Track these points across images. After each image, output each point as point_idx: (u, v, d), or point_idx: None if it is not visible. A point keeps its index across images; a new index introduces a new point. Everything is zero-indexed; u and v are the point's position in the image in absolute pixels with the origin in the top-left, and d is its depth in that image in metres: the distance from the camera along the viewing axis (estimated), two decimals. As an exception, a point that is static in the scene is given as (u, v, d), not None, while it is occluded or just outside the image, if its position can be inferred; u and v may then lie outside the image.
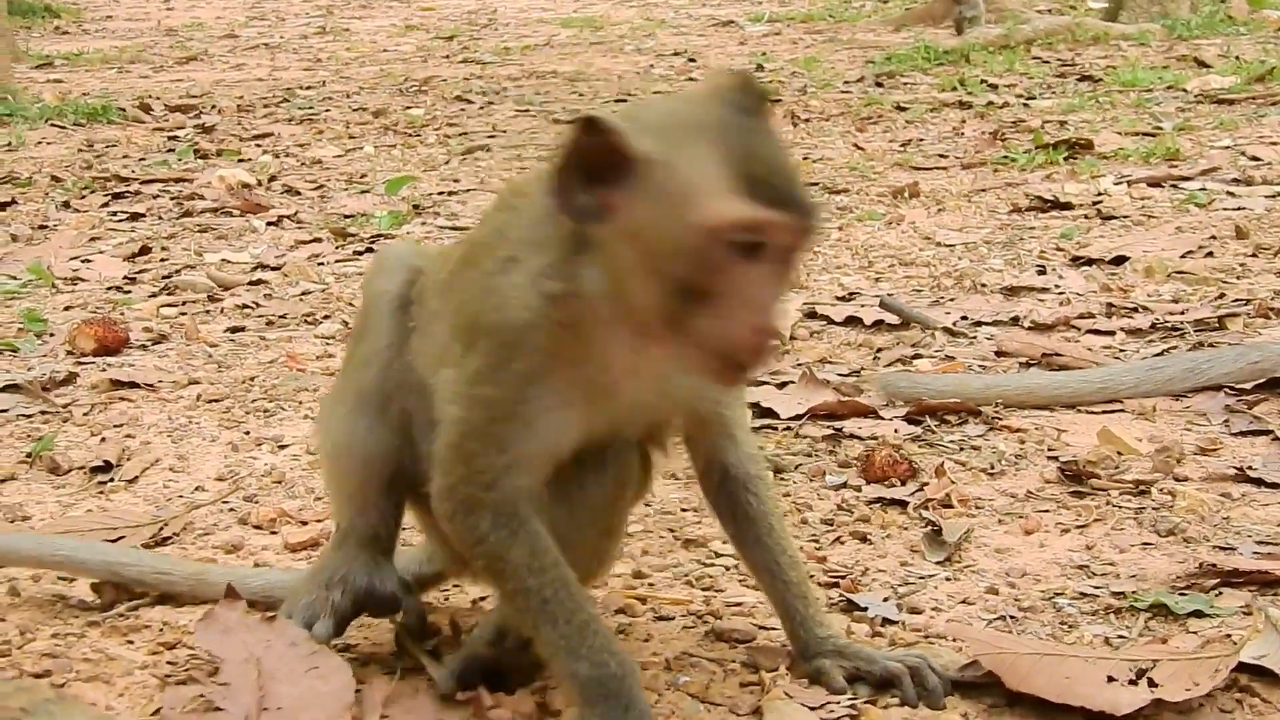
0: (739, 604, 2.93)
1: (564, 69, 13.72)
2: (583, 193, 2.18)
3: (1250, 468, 3.58)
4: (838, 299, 5.35)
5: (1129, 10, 14.86)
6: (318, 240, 6.81)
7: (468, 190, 7.98)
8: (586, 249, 2.25)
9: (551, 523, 2.42)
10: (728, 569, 3.10)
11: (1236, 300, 5.00)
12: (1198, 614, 2.85)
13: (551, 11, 20.94)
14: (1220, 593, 2.93)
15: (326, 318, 5.37)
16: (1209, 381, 4.13)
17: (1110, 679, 2.53)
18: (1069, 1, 19.02)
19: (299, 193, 8.02)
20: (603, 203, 2.17)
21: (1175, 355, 4.35)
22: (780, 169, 2.20)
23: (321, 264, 6.31)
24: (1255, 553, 3.11)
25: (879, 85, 11.67)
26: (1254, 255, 5.63)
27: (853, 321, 4.99)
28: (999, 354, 4.59)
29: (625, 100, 11.31)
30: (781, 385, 4.27)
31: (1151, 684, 2.51)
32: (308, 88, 12.74)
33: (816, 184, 7.68)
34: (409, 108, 11.29)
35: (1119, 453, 3.70)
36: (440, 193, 7.90)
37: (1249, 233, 5.88)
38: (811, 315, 5.11)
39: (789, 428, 3.97)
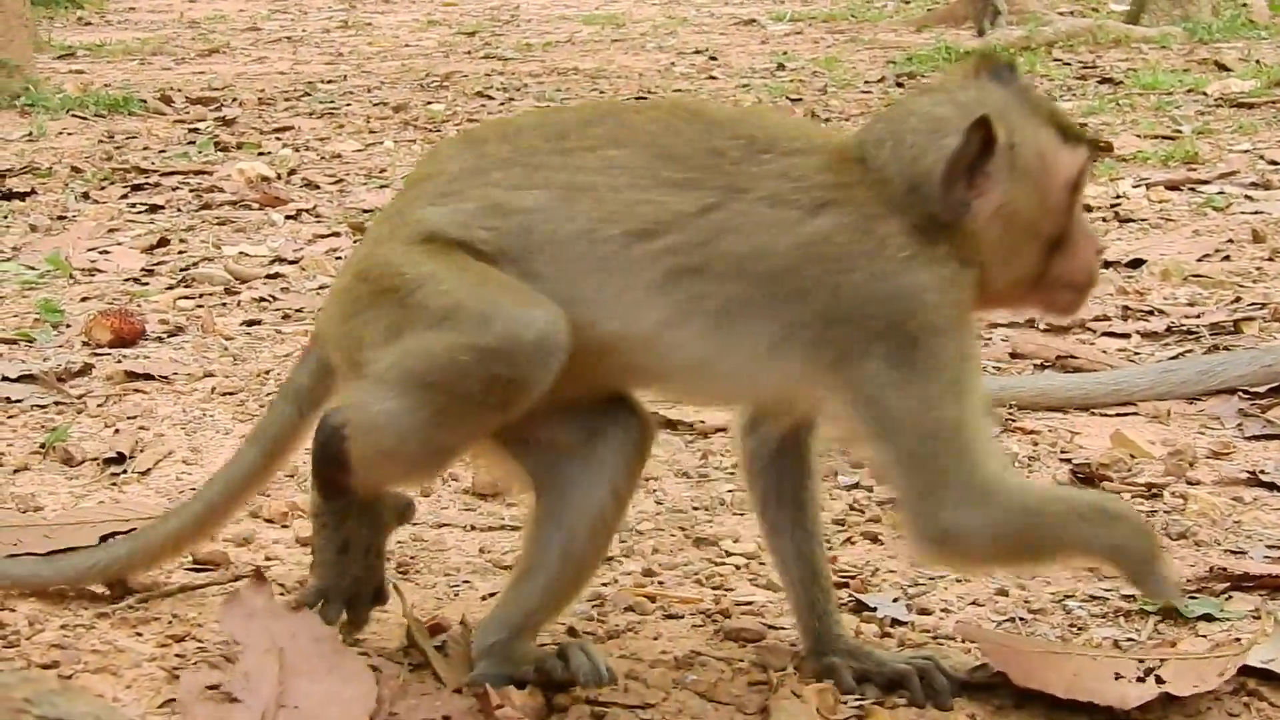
0: (749, 603, 2.93)
1: (585, 66, 13.72)
2: (962, 188, 2.40)
3: (1263, 472, 3.57)
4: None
5: (1150, 13, 14.82)
6: (336, 235, 6.82)
7: (486, 186, 7.97)
8: (941, 234, 2.42)
9: None
10: (738, 568, 3.10)
11: (1252, 304, 4.99)
12: (1207, 617, 2.85)
13: (574, 8, 20.93)
14: (1230, 596, 2.93)
15: (342, 312, 5.38)
16: (1223, 385, 4.12)
17: (1118, 675, 2.54)
18: (1091, 4, 18.98)
19: (318, 187, 8.04)
20: (973, 194, 2.41)
21: (1189, 358, 4.35)
22: (1066, 116, 2.53)
23: (339, 258, 6.31)
24: (1266, 557, 3.12)
25: (900, 86, 11.65)
26: (1270, 259, 5.61)
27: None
28: (1014, 355, 4.58)
29: (644, 97, 11.32)
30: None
31: (1159, 680, 2.51)
32: (329, 82, 12.76)
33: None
34: (430, 103, 11.30)
35: (1132, 455, 3.70)
36: (459, 189, 7.89)
37: (1266, 237, 5.87)
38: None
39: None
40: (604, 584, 3.02)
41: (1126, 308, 5.04)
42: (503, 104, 11.29)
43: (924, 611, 2.90)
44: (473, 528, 3.34)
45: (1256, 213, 6.44)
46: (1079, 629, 2.83)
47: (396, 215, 2.58)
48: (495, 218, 2.48)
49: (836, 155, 2.48)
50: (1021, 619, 2.86)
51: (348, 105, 11.28)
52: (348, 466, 2.55)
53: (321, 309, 2.76)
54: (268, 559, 3.20)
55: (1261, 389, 4.10)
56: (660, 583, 3.04)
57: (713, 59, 14.21)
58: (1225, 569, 3.02)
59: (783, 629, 2.81)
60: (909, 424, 2.39)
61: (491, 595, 2.97)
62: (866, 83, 11.94)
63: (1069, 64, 12.44)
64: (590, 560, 2.60)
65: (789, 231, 2.41)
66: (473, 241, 2.48)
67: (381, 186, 7.96)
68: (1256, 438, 3.85)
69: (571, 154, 2.49)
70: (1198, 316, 4.89)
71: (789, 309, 2.41)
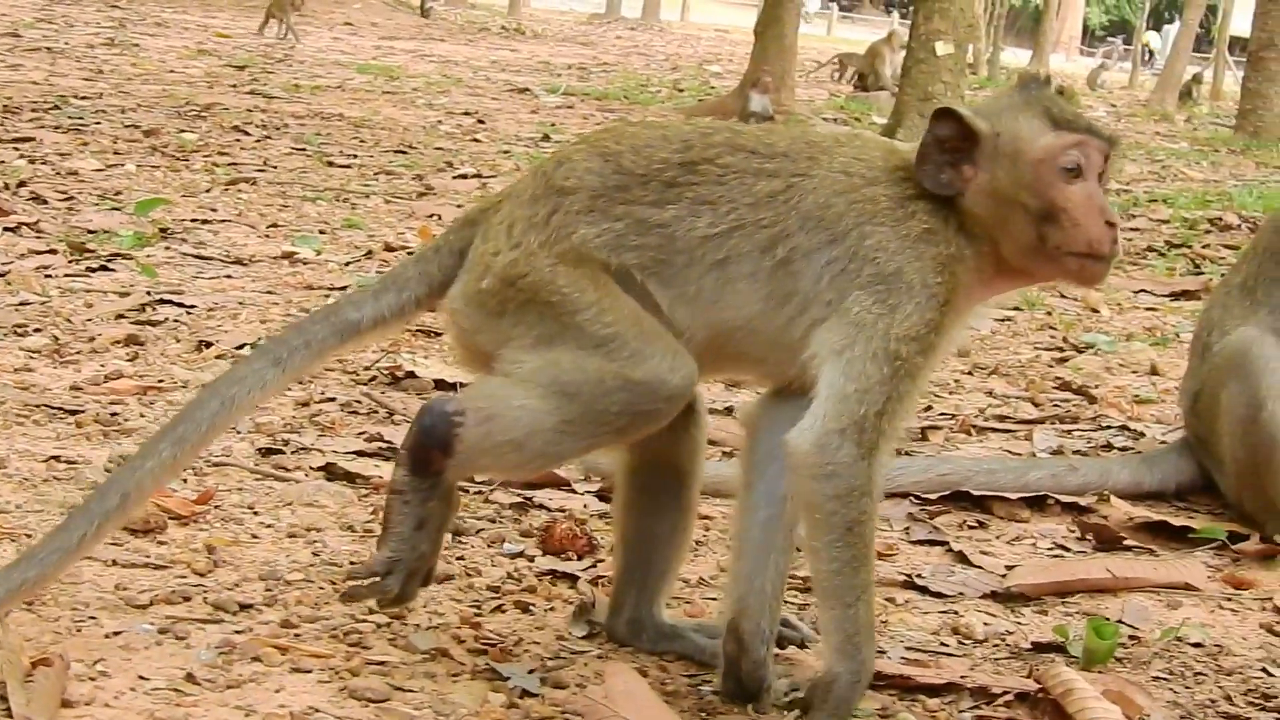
0: (382, 663, 2.88)
1: (351, 113, 13.63)
2: (945, 170, 2.80)
3: (919, 575, 3.65)
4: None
5: (906, 128, 15.27)
6: (52, 252, 6.62)
7: (223, 220, 7.84)
8: (954, 215, 2.81)
9: None
10: (379, 627, 3.05)
11: (943, 414, 5.13)
12: (834, 714, 2.88)
13: (350, 55, 20.83)
14: (862, 694, 2.97)
15: (38, 330, 5.21)
16: (898, 489, 4.22)
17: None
18: (856, 114, 19.53)
19: (45, 202, 7.81)
20: (962, 176, 2.81)
21: (870, 460, 4.43)
22: (1076, 112, 2.89)
23: (49, 276, 6.12)
24: (903, 658, 3.17)
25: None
26: (970, 373, 5.79)
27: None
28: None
29: (405, 151, 11.27)
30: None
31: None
32: (83, 98, 12.45)
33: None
34: (183, 131, 11.09)
35: (797, 549, 3.74)
36: (193, 219, 7.75)
37: (969, 352, 6.05)
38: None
39: (479, 491, 3.94)
40: (237, 631, 2.94)
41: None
42: (259, 140, 11.15)
43: (559, 685, 2.88)
44: (114, 563, 3.23)
45: (967, 329, 6.61)
46: (708, 713, 2.84)
47: (544, 225, 2.79)
48: (640, 234, 2.79)
49: (895, 151, 2.91)
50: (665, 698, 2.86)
51: (97, 123, 11.02)
52: (451, 451, 2.77)
53: (461, 295, 2.88)
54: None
55: (933, 496, 4.21)
56: (297, 635, 2.97)
57: (480, 122, 14.26)
58: (862, 667, 3.06)
59: (411, 691, 2.77)
60: (870, 340, 2.72)
61: (116, 634, 2.87)
62: (626, 162, 12.03)
63: (823, 166, 12.73)
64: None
65: (849, 192, 2.80)
66: (623, 264, 2.79)
67: (113, 209, 7.75)
68: (920, 542, 3.94)
69: (698, 167, 2.82)
70: (890, 421, 5.00)
71: (827, 250, 2.78)
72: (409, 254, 7.32)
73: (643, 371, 2.74)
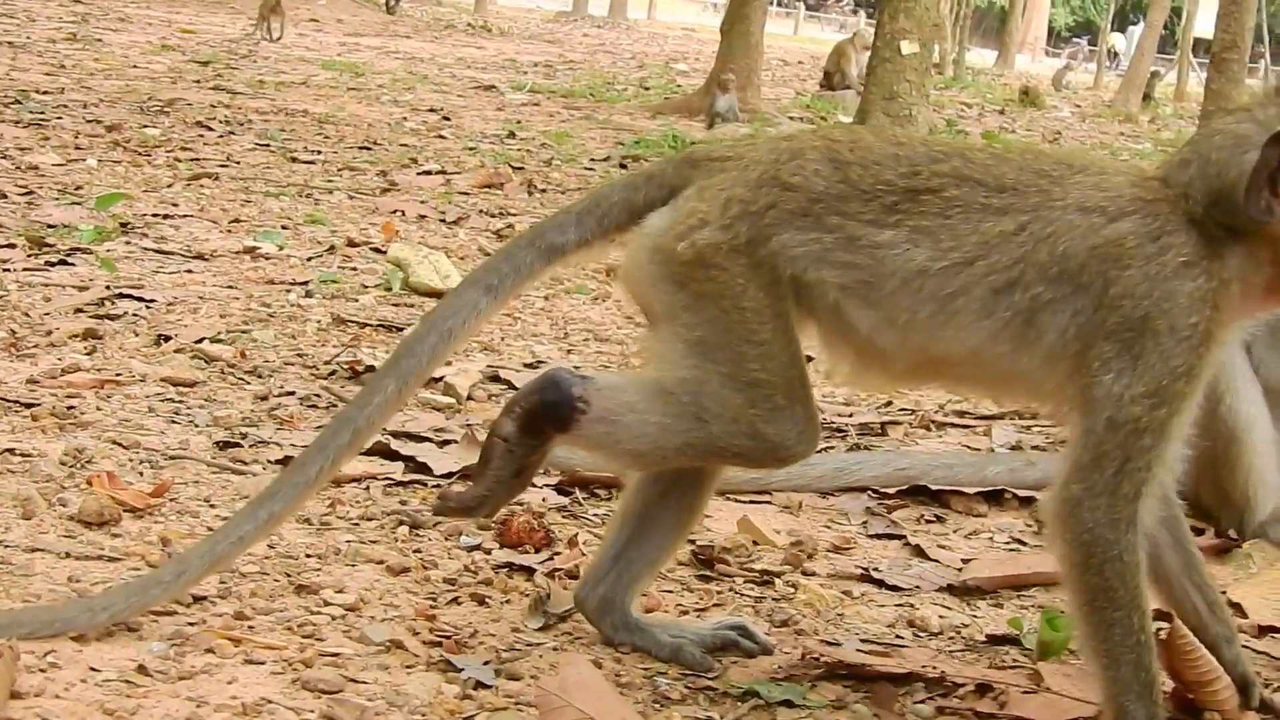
0: (336, 654, 2.86)
1: (316, 110, 13.57)
2: (1266, 197, 2.63)
3: (876, 569, 3.66)
4: (525, 365, 5.35)
5: (872, 125, 15.32)
6: (11, 246, 6.56)
7: (184, 216, 7.80)
8: (1234, 242, 2.68)
9: None
10: (334, 619, 3.03)
11: (903, 409, 5.15)
12: (788, 703, 2.89)
13: (315, 52, 20.76)
14: (815, 685, 2.98)
15: (-6, 324, 5.18)
16: (856, 483, 4.23)
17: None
18: (822, 112, 19.56)
19: (5, 196, 7.73)
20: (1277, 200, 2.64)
21: (829, 455, 4.44)
22: None
23: (8, 270, 6.08)
24: (859, 649, 3.18)
25: (623, 167, 11.80)
26: (931, 369, 5.79)
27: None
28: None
29: (369, 148, 11.24)
30: (443, 444, 4.25)
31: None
32: (45, 92, 12.36)
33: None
34: (145, 126, 11.02)
35: (755, 542, 3.76)
36: (155, 214, 7.70)
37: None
38: (494, 379, 5.10)
39: (438, 485, 3.93)
40: (190, 623, 2.93)
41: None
42: (222, 136, 11.08)
43: (513, 677, 2.88)
44: (68, 555, 3.21)
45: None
46: (661, 705, 2.84)
47: (758, 217, 2.76)
48: (849, 251, 2.74)
49: (1141, 176, 2.78)
50: (620, 690, 2.85)
51: (59, 118, 10.93)
52: (566, 430, 2.83)
53: (655, 239, 2.83)
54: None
55: (891, 490, 4.22)
56: (250, 627, 2.96)
57: (446, 118, 14.21)
58: (818, 658, 3.07)
59: (364, 683, 2.76)
60: (1104, 404, 2.62)
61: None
62: (592, 160, 12.05)
63: (788, 165, 12.73)
64: None
65: (1092, 234, 2.68)
66: (821, 279, 2.75)
67: (73, 204, 7.70)
68: (877, 536, 3.95)
69: (921, 195, 2.73)
70: (850, 416, 5.02)
71: (1072, 301, 2.68)
72: (370, 249, 7.30)
73: (774, 429, 2.77)
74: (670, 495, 3.08)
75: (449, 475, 3.98)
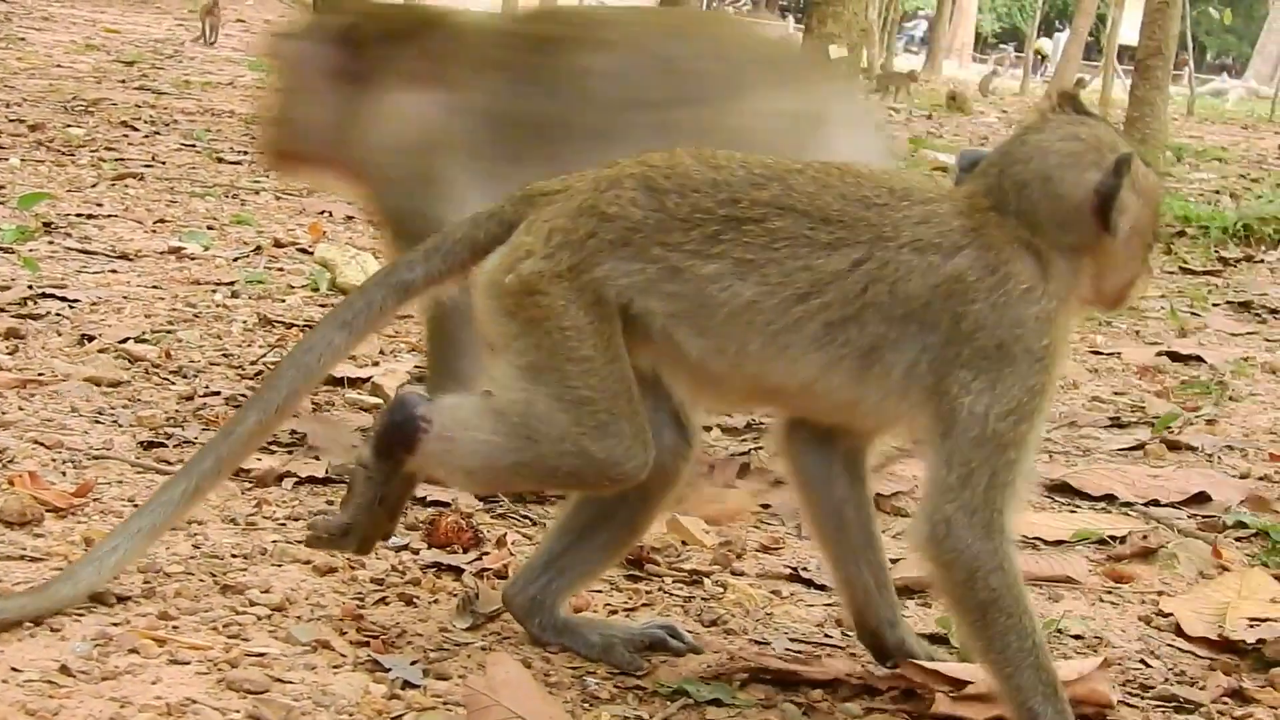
0: (261, 654, 2.84)
1: (242, 110, 13.46)
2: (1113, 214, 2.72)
3: (804, 569, 3.67)
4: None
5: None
6: (-69, 247, 6.49)
7: (109, 216, 7.72)
8: (1062, 259, 2.75)
9: None
10: (259, 619, 3.01)
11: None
12: (717, 702, 2.89)
13: (241, 53, 20.59)
14: (744, 685, 2.98)
15: (-87, 326, 5.10)
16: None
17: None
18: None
19: (-76, 196, 7.65)
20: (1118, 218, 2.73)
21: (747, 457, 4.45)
22: None
23: (-74, 272, 6.00)
24: (787, 649, 3.18)
25: (551, 168, 11.76)
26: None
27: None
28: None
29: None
30: (371, 443, 4.22)
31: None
32: (-34, 92, 12.22)
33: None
34: (69, 126, 10.91)
35: (684, 542, 3.76)
36: (79, 214, 7.63)
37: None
38: (421, 379, 5.06)
39: (366, 485, 3.90)
40: (114, 623, 2.89)
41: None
42: (147, 136, 10.98)
43: (441, 677, 2.86)
44: (-11, 555, 3.17)
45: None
46: (591, 704, 2.84)
47: (578, 246, 2.76)
48: (674, 282, 2.75)
49: (966, 200, 2.79)
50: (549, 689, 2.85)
51: (-21, 118, 10.80)
52: (414, 451, 2.87)
53: (488, 276, 2.87)
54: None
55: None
56: (175, 627, 2.93)
57: (373, 120, 14.09)
58: (746, 658, 3.08)
59: (290, 683, 2.74)
60: (968, 425, 2.66)
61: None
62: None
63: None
64: None
65: (931, 273, 2.71)
66: (648, 309, 2.76)
67: (-3, 204, 7.61)
68: (808, 537, 3.94)
69: (743, 225, 2.73)
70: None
71: (919, 339, 2.71)
72: (296, 249, 7.26)
73: (600, 448, 2.77)
74: (614, 512, 3.07)
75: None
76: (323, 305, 6.12)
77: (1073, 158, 2.76)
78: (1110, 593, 3.72)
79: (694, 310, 2.75)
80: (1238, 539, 4.15)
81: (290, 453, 4.14)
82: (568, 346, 2.76)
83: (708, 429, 4.74)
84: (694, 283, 2.74)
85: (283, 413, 3.01)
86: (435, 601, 3.23)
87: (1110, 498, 4.45)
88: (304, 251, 7.23)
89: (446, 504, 3.80)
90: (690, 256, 2.74)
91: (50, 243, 6.85)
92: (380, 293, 2.96)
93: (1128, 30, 35.40)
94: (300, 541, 3.43)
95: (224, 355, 5.14)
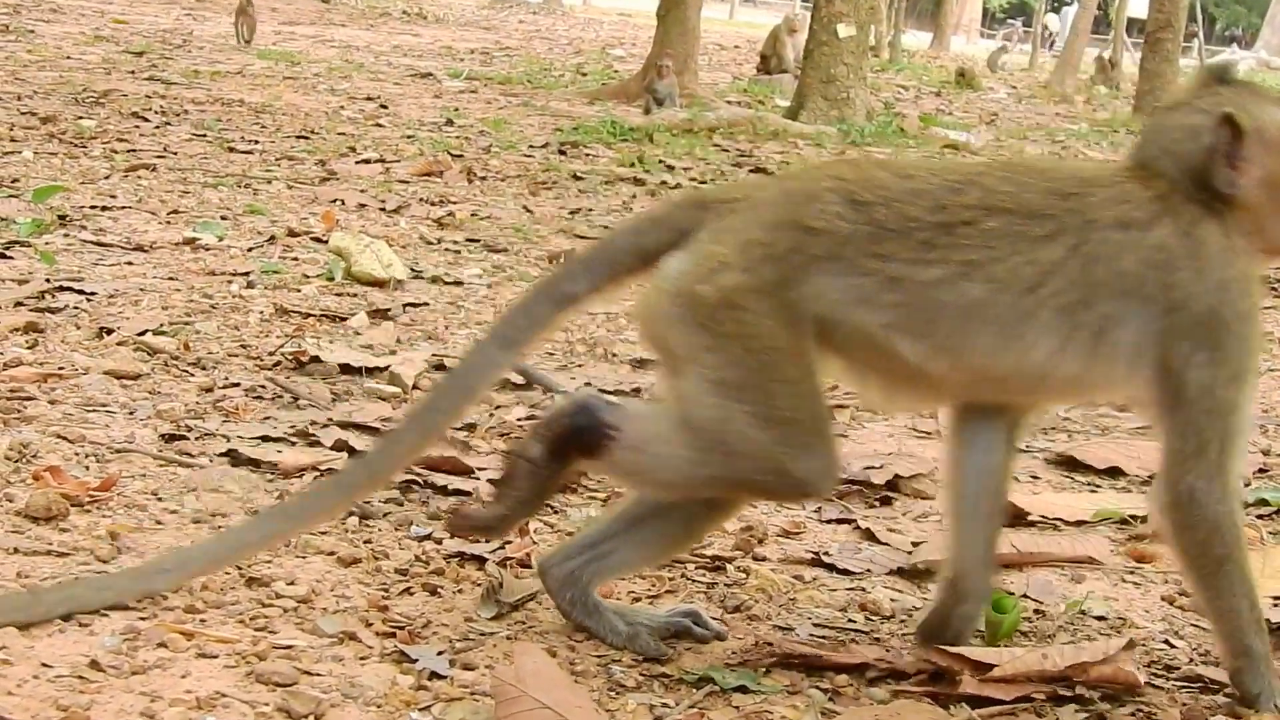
0: (289, 647, 2.85)
1: (252, 99, 13.48)
2: (1228, 172, 2.82)
3: (826, 553, 3.67)
4: (470, 354, 5.33)
5: (809, 111, 15.37)
6: (-54, 240, 6.50)
7: (123, 207, 7.74)
8: (1230, 218, 2.84)
9: None
10: (285, 611, 3.02)
11: (849, 393, 5.14)
12: (743, 689, 2.89)
13: (250, 41, 20.56)
14: (769, 671, 2.99)
15: (-68, 320, 5.12)
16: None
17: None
18: (759, 96, 19.59)
19: (-61, 190, 7.67)
20: (1239, 174, 2.83)
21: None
22: None
23: (-57, 265, 6.02)
24: (811, 635, 3.19)
25: (562, 153, 11.79)
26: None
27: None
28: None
29: (307, 137, 11.17)
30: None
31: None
32: (-24, 85, 12.24)
33: (478, 240, 7.68)
34: (81, 118, 10.93)
35: (705, 529, 3.75)
36: (93, 206, 7.65)
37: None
38: (439, 367, 5.08)
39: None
40: (141, 618, 2.91)
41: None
42: (158, 127, 11.01)
43: (468, 667, 2.87)
44: (16, 550, 3.18)
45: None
46: (617, 693, 2.84)
47: (781, 260, 2.76)
48: (893, 291, 2.77)
49: (1141, 174, 2.89)
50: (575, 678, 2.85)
51: (-9, 111, 10.82)
52: (594, 458, 2.89)
53: (676, 283, 2.83)
54: None
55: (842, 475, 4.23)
56: (202, 621, 2.94)
57: (383, 107, 14.15)
58: (771, 644, 3.08)
59: (318, 675, 2.75)
60: (1198, 397, 2.77)
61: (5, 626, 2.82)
62: (530, 146, 12.03)
63: (727, 150, 12.79)
64: None
65: (1138, 247, 2.80)
66: (859, 323, 2.78)
67: (10, 196, 7.62)
68: (829, 521, 3.97)
69: (955, 230, 2.78)
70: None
71: (1141, 313, 2.79)
72: (310, 239, 7.26)
73: (800, 467, 2.79)
74: (677, 512, 3.06)
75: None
76: (339, 295, 6.13)
77: (1192, 130, 2.87)
78: (1133, 573, 3.73)
79: (914, 316, 2.79)
80: (1260, 516, 4.14)
81: (313, 445, 4.15)
82: (771, 365, 2.77)
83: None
84: (915, 289, 2.78)
85: (441, 433, 3.06)
86: (459, 591, 3.24)
87: (1116, 471, 4.46)
88: (318, 241, 7.23)
89: (469, 493, 3.81)
90: (908, 265, 2.77)
91: (66, 235, 6.87)
92: (543, 307, 2.95)
93: (1136, 3, 35.31)
94: (324, 532, 3.45)
95: (242, 346, 5.15)
